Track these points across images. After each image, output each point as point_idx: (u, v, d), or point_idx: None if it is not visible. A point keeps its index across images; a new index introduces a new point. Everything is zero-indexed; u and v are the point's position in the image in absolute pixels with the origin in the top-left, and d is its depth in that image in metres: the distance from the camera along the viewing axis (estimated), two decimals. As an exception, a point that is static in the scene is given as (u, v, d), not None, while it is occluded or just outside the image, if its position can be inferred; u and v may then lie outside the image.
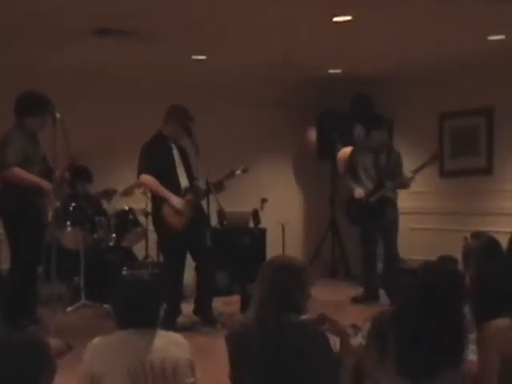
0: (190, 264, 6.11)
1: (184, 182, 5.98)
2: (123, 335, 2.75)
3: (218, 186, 5.94)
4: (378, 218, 6.83)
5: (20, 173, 5.45)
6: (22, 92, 5.63)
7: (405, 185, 6.88)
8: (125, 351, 2.69)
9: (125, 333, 2.75)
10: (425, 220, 8.04)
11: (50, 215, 5.76)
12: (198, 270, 6.06)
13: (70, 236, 6.50)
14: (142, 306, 2.78)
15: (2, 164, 5.50)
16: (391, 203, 6.94)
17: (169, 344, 2.76)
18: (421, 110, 8.00)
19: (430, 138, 8.01)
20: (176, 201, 5.80)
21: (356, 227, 7.20)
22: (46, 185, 5.55)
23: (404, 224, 7.37)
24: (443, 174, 7.93)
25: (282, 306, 2.73)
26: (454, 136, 7.94)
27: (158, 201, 5.91)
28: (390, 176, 6.89)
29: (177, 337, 2.85)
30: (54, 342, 3.01)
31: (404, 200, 7.48)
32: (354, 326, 3.34)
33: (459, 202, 7.88)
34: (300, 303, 2.78)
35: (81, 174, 6.90)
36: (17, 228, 5.53)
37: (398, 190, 7.00)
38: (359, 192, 6.87)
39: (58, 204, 6.27)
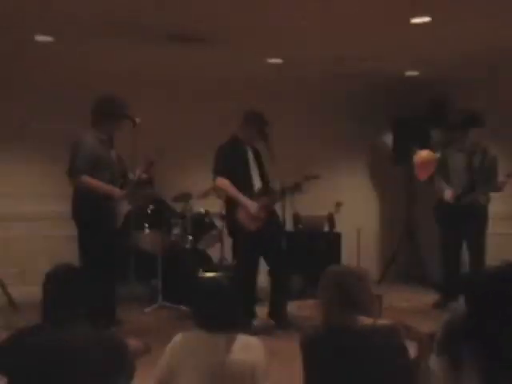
0: (265, 267, 6.13)
1: (258, 183, 6.01)
2: (205, 335, 2.80)
3: (296, 188, 5.92)
4: (466, 221, 6.60)
5: (88, 181, 5.51)
6: (100, 96, 5.67)
7: (498, 188, 6.63)
8: (206, 350, 2.74)
9: (206, 333, 2.80)
10: (503, 224, 7.77)
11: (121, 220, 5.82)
12: (271, 273, 6.06)
13: (149, 238, 6.62)
14: (225, 309, 2.82)
15: (71, 172, 5.60)
16: (482, 207, 6.70)
17: (247, 347, 2.78)
18: (503, 112, 7.77)
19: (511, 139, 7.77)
20: (251, 205, 5.83)
21: (442, 230, 6.96)
22: (115, 192, 5.61)
23: (492, 229, 7.11)
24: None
25: (349, 309, 2.71)
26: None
27: (232, 203, 5.95)
28: (484, 179, 6.64)
29: (254, 340, 2.87)
30: (133, 343, 3.07)
31: (492, 204, 7.23)
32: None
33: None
34: (366, 305, 2.75)
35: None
36: (86, 232, 5.61)
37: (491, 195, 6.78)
38: (448, 194, 6.70)
39: (132, 207, 6.34)
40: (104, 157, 5.63)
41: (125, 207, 6.09)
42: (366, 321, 2.70)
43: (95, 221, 5.56)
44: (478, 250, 6.72)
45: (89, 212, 5.58)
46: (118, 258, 5.79)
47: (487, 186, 6.63)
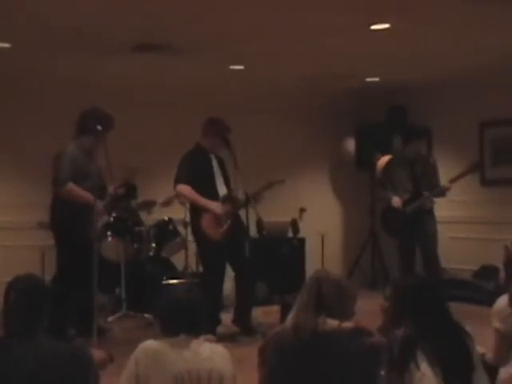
0: (229, 274, 6.13)
1: (222, 191, 6.01)
2: (172, 342, 2.79)
3: (256, 198, 5.94)
4: (415, 228, 6.73)
5: (75, 189, 5.54)
6: (87, 108, 5.71)
7: (442, 193, 6.80)
8: (173, 358, 2.73)
9: (173, 340, 2.80)
10: (465, 229, 7.94)
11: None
12: (237, 280, 6.07)
13: (111, 247, 6.55)
14: (190, 315, 2.82)
15: (57, 180, 5.60)
16: (429, 213, 6.84)
17: (214, 354, 2.79)
18: (460, 118, 7.91)
19: (469, 147, 7.91)
20: (214, 205, 5.82)
21: (392, 237, 7.11)
22: (97, 204, 5.58)
23: (444, 233, 7.27)
24: (484, 182, 7.83)
25: (320, 313, 2.73)
26: (495, 145, 7.84)
27: (196, 211, 5.94)
28: (427, 185, 6.80)
29: (219, 348, 2.87)
30: (97, 353, 3.04)
31: (444, 209, 7.40)
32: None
33: (500, 211, 7.77)
34: (339, 312, 2.77)
35: (128, 191, 6.96)
36: (63, 242, 5.64)
37: (436, 199, 6.93)
38: (396, 201, 6.81)
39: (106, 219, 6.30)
40: (84, 168, 5.66)
41: (103, 220, 5.99)
42: (331, 323, 2.72)
43: (73, 231, 5.56)
44: (431, 256, 6.83)
45: (68, 222, 5.58)
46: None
47: (431, 192, 6.77)
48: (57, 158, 5.64)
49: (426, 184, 6.81)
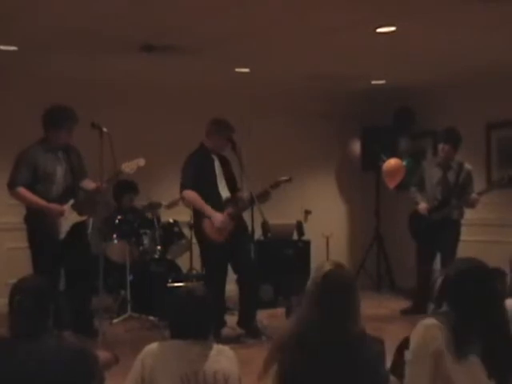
0: (233, 276, 6.12)
1: (225, 193, 6.00)
2: (179, 344, 2.80)
3: (264, 196, 5.91)
4: (438, 235, 6.65)
5: (25, 194, 5.52)
6: (48, 106, 5.63)
7: (471, 204, 6.69)
8: (179, 360, 2.73)
9: (181, 342, 2.80)
10: (471, 231, 7.89)
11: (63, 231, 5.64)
12: (239, 282, 6.05)
13: (117, 249, 6.56)
14: (198, 319, 2.82)
15: (10, 183, 5.59)
16: (454, 222, 6.75)
17: (220, 356, 2.79)
18: (467, 120, 7.89)
19: (476, 149, 7.88)
20: (217, 220, 5.82)
21: (416, 241, 7.04)
22: (52, 208, 5.54)
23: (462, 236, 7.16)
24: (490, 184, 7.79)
25: (325, 317, 2.67)
26: (502, 146, 7.81)
27: (198, 214, 5.94)
28: (458, 194, 6.69)
29: (226, 349, 2.87)
30: (102, 354, 3.05)
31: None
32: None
33: (506, 213, 7.74)
34: (345, 315, 2.71)
35: (126, 187, 6.98)
36: (31, 241, 5.65)
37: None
38: (423, 207, 6.76)
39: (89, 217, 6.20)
40: (49, 168, 5.58)
41: (70, 218, 5.87)
42: (354, 330, 2.66)
43: (38, 231, 5.55)
44: (447, 261, 6.76)
45: (33, 221, 5.58)
46: (72, 269, 5.74)
47: (460, 201, 6.68)
48: (16, 159, 5.58)
49: (457, 193, 6.70)
